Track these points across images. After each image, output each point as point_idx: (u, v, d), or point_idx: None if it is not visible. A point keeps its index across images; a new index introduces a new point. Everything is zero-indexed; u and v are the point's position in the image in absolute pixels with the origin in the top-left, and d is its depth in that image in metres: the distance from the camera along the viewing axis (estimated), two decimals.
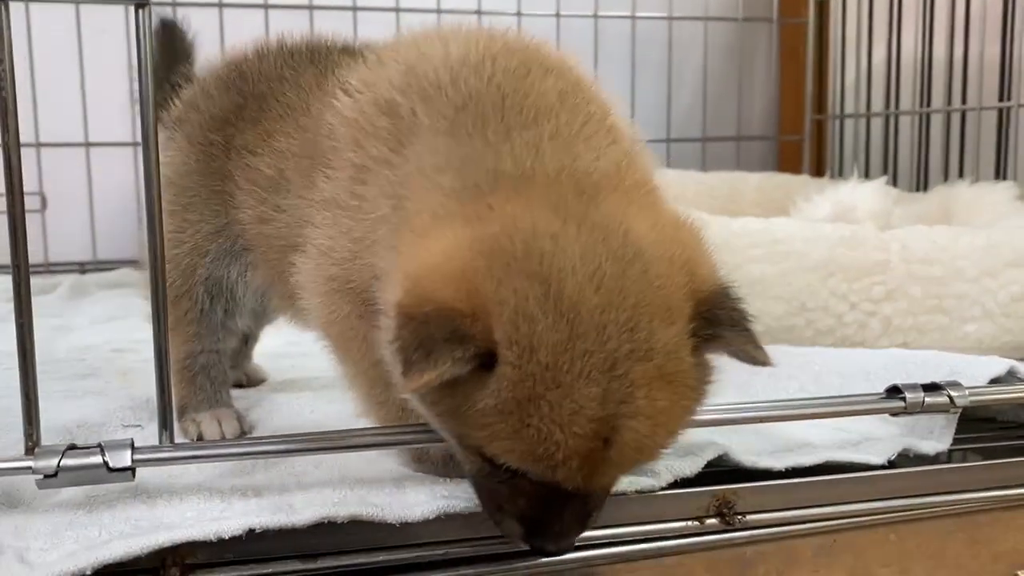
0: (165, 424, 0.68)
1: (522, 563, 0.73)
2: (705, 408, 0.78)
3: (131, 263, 1.91)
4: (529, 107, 0.69)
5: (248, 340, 1.14)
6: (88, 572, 0.59)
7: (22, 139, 2.03)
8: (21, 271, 0.65)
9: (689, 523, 0.78)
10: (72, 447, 0.65)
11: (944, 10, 1.94)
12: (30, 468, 0.64)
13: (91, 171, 1.99)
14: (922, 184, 1.95)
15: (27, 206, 1.95)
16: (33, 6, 1.90)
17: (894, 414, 0.84)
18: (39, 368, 1.17)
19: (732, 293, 0.65)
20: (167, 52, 1.06)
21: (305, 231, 0.77)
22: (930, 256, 1.12)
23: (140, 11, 0.64)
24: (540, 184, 0.64)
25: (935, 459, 0.86)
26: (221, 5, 2.00)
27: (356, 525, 0.68)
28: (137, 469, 0.66)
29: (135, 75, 0.83)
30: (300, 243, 0.78)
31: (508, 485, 0.63)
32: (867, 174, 2.12)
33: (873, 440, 0.88)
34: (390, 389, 0.73)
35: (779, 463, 0.81)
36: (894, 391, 0.83)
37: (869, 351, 1.07)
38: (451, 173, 0.66)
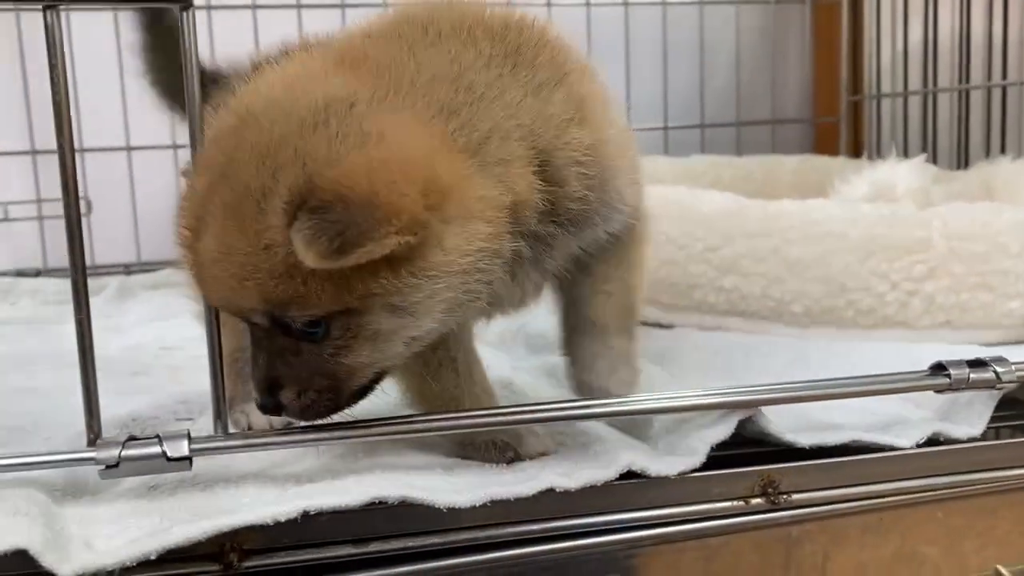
0: (220, 415, 0.70)
1: (565, 544, 0.74)
2: (745, 389, 0.80)
3: (174, 264, 1.95)
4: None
5: None
6: (152, 557, 0.61)
7: None
8: (79, 270, 0.67)
9: (734, 503, 0.78)
10: (132, 438, 0.68)
11: None
12: (93, 459, 0.67)
13: (133, 175, 2.03)
14: (962, 162, 1.92)
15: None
16: (72, 12, 1.94)
17: (938, 391, 0.84)
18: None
19: (364, 203, 0.58)
20: (162, 38, 1.08)
21: None
22: (972, 233, 1.11)
23: (184, 13, 0.66)
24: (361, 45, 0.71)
25: (974, 438, 0.85)
26: (255, 7, 2.03)
27: (405, 510, 0.69)
28: (193, 459, 0.69)
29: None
30: None
31: None
32: (906, 154, 2.09)
33: (903, 423, 0.86)
34: (433, 379, 0.75)
35: (805, 440, 0.80)
36: (939, 367, 0.83)
37: (906, 345, 1.07)
38: None
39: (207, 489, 0.71)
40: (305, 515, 0.66)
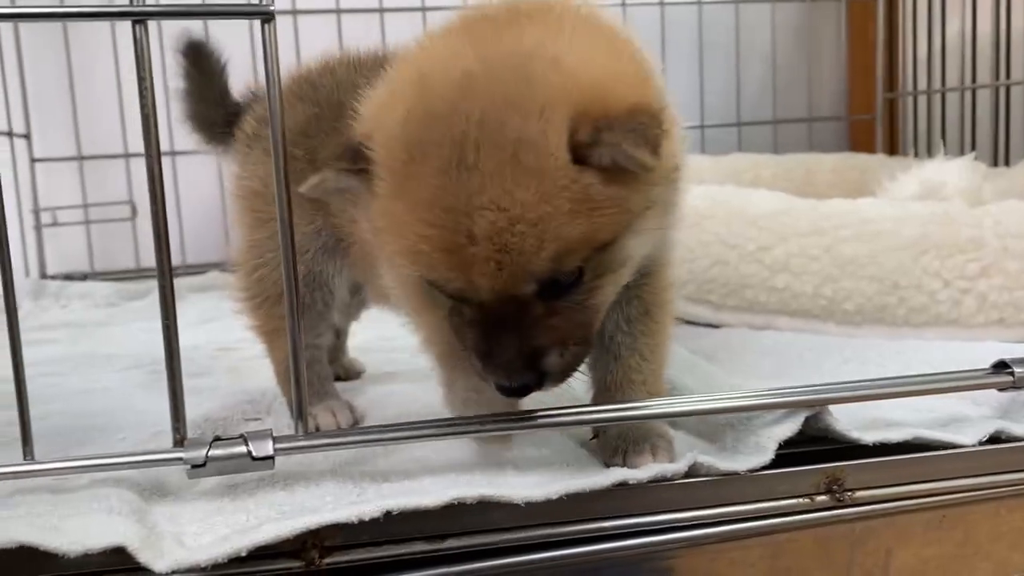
0: (301, 415, 0.72)
1: (634, 542, 0.75)
2: (810, 388, 0.81)
3: (218, 266, 1.98)
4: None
5: (339, 335, 1.18)
6: (243, 554, 0.63)
7: (111, 151, 2.11)
8: (166, 275, 0.69)
9: (801, 500, 0.79)
10: (218, 439, 0.70)
11: None
12: (181, 459, 0.69)
13: (177, 179, 2.06)
14: (1002, 159, 1.91)
15: (118, 215, 2.03)
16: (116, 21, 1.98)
17: (1001, 389, 0.84)
18: (152, 368, 1.23)
19: (646, 111, 0.62)
20: (199, 71, 1.08)
21: None
22: None
23: (266, 26, 0.68)
24: (466, 25, 0.70)
25: None
26: (295, 12, 2.05)
27: (481, 507, 0.71)
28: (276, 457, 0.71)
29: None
30: None
31: (459, 317, 0.66)
32: (944, 151, 2.09)
33: (961, 421, 0.87)
34: (467, 379, 0.75)
35: (869, 438, 0.81)
36: (1001, 365, 0.83)
37: (962, 343, 1.07)
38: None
39: (287, 488, 0.73)
40: (386, 514, 0.67)
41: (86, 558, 0.61)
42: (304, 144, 0.92)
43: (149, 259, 2.05)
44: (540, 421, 0.74)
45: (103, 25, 1.98)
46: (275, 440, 0.70)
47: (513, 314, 0.64)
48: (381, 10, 2.06)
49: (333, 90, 0.93)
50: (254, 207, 0.97)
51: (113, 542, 0.61)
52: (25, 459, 0.69)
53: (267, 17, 0.67)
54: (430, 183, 0.61)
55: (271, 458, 0.70)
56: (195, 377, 1.18)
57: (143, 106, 0.67)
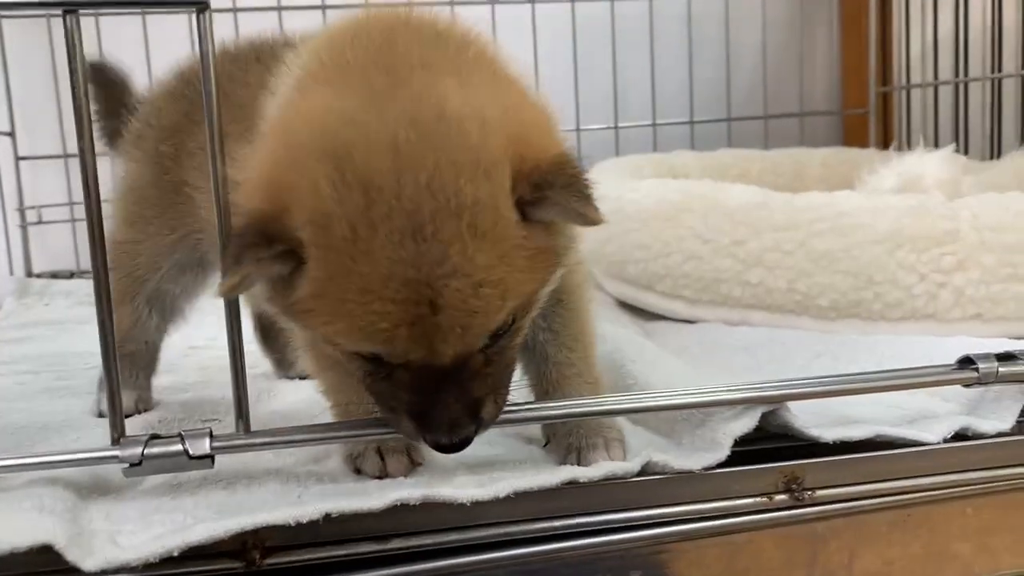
0: (241, 413, 0.71)
1: (588, 541, 0.73)
2: (769, 384, 0.79)
3: None
4: (383, 42, 0.69)
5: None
6: (175, 554, 0.62)
7: (96, 149, 2.07)
8: (100, 272, 0.68)
9: (758, 500, 0.77)
10: (154, 436, 0.69)
11: None
12: (116, 457, 0.67)
13: None
14: (995, 152, 1.90)
15: (103, 213, 1.99)
16: (101, 20, 1.97)
17: (967, 385, 0.82)
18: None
19: (571, 161, 0.64)
20: (103, 89, 1.10)
21: None
22: (1003, 223, 1.09)
23: (201, 16, 0.66)
24: (354, 71, 0.65)
25: (1003, 432, 0.83)
26: (280, 8, 2.04)
27: (426, 506, 0.69)
28: (216, 457, 0.69)
29: None
30: None
31: (389, 381, 0.64)
32: (936, 144, 2.06)
33: (929, 418, 0.85)
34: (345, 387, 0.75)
35: (829, 435, 0.78)
36: (966, 361, 0.81)
37: (936, 338, 1.05)
38: (281, 92, 0.69)
39: (229, 487, 0.72)
40: (327, 516, 0.66)
41: (13, 557, 0.60)
42: (173, 141, 0.93)
43: None
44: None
45: (87, 22, 1.97)
46: (213, 438, 0.69)
47: (457, 372, 0.63)
48: (324, 7, 2.03)
49: None
50: (126, 207, 0.99)
51: (40, 540, 0.60)
52: None
53: (202, 7, 0.66)
54: (384, 258, 0.58)
55: (210, 457, 0.69)
56: (163, 375, 1.17)
57: (75, 97, 0.66)
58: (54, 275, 2.03)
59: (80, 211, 2.04)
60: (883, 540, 0.81)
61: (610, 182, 1.41)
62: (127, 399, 1.00)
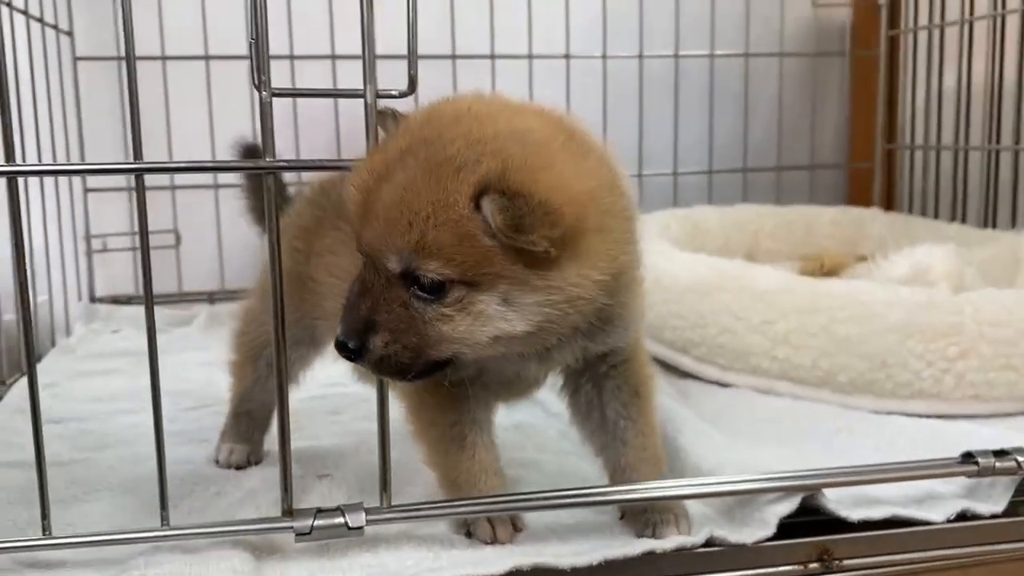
0: (385, 487, 0.87)
1: None
2: (808, 472, 0.96)
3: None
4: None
5: None
6: None
7: (159, 183, 2.27)
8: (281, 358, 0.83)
9: (796, 567, 0.94)
10: (319, 511, 0.85)
11: (1014, 37, 1.96)
12: (291, 528, 0.84)
13: (219, 210, 2.21)
14: (991, 220, 2.03)
15: (163, 243, 2.17)
16: (169, 62, 2.12)
17: (968, 476, 0.99)
18: (216, 410, 1.37)
19: (511, 194, 0.73)
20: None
21: None
22: (999, 319, 1.26)
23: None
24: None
25: (997, 514, 0.99)
26: (333, 57, 2.19)
27: (535, 571, 0.86)
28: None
29: None
30: None
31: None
32: (936, 205, 2.23)
33: (935, 498, 1.01)
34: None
35: (856, 515, 0.95)
36: (968, 456, 0.99)
37: (939, 422, 1.22)
38: None
39: (371, 550, 0.88)
40: None
41: None
42: (306, 239, 1.09)
43: (191, 284, 2.22)
44: (579, 499, 0.89)
45: (150, 66, 2.12)
46: (367, 512, 0.85)
47: (376, 284, 0.77)
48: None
49: (338, 198, 1.06)
50: (264, 281, 1.11)
51: None
52: (162, 525, 0.84)
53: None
54: (382, 152, 0.81)
55: (362, 528, 0.85)
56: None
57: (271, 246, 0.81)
58: (114, 300, 2.18)
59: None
60: None
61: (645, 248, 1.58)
62: (240, 453, 1.17)
